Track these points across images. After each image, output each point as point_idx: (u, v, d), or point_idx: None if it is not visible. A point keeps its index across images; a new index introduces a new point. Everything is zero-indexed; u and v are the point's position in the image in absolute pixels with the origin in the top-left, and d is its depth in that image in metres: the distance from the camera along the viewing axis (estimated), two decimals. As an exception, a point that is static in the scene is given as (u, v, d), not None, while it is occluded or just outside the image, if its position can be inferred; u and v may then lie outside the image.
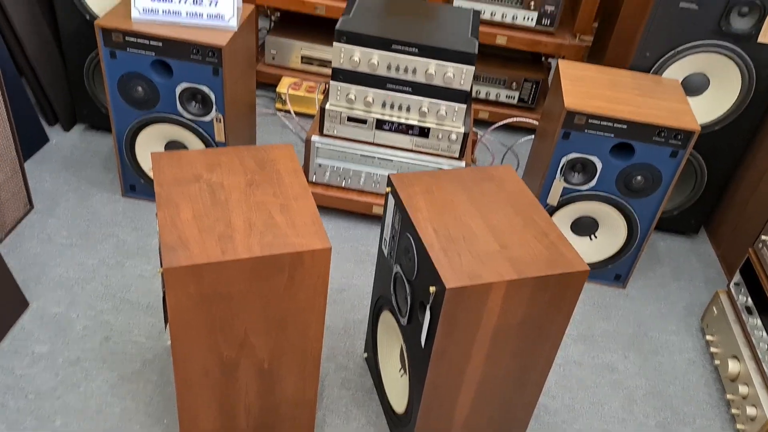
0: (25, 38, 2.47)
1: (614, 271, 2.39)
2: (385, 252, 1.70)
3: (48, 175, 2.53)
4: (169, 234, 1.34)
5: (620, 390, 2.03)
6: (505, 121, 3.07)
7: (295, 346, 1.53)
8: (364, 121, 2.32)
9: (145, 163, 2.39)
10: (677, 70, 2.28)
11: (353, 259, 2.35)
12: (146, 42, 2.10)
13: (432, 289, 1.39)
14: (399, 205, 1.56)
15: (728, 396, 1.99)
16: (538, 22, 2.88)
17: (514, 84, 3.07)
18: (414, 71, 2.21)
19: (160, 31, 2.08)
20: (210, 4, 2.13)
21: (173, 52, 2.11)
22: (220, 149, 1.63)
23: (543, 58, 3.33)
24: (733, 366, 1.99)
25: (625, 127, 2.04)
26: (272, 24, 3.33)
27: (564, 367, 2.06)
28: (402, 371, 1.79)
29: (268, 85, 3.22)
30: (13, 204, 2.26)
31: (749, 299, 2.01)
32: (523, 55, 3.29)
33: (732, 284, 2.12)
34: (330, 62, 3.12)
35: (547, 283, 1.41)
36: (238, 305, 1.39)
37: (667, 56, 2.25)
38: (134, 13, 2.11)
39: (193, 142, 2.31)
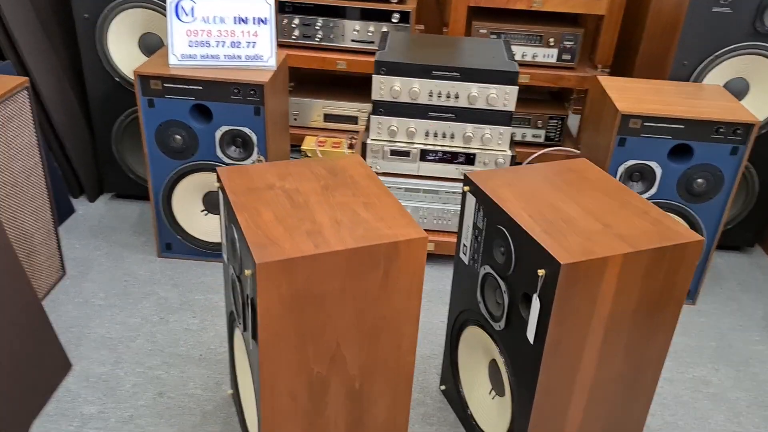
0: (52, 109, 2.43)
1: (682, 286, 2.27)
2: (466, 260, 1.59)
3: (77, 242, 2.42)
4: (254, 235, 1.24)
5: (721, 403, 1.86)
6: (544, 151, 3.03)
7: (387, 362, 1.39)
8: (407, 153, 2.27)
9: (183, 218, 2.30)
10: (716, 77, 2.27)
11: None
12: (185, 87, 2.06)
13: (541, 272, 1.27)
14: (483, 200, 1.47)
15: (840, 397, 1.83)
16: (559, 58, 2.91)
17: (540, 122, 3.06)
18: (456, 96, 2.18)
19: (199, 74, 2.05)
20: (248, 46, 2.11)
21: (213, 94, 2.07)
22: (288, 162, 1.55)
23: (563, 99, 3.35)
24: (839, 363, 1.84)
25: (682, 127, 2.00)
26: (290, 87, 3.35)
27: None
28: (493, 393, 1.63)
29: (293, 146, 3.18)
30: (47, 269, 2.13)
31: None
32: (542, 96, 3.31)
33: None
34: (351, 117, 3.11)
35: (663, 255, 1.30)
36: (330, 308, 1.26)
37: (705, 62, 2.24)
38: (172, 60, 2.09)
39: (234, 189, 2.23)
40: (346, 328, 1.30)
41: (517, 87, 2.16)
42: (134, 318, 2.05)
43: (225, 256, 1.51)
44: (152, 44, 2.40)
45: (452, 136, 2.24)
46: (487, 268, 1.48)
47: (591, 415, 1.47)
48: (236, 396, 1.69)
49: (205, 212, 2.32)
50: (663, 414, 1.82)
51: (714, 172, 2.05)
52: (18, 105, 1.90)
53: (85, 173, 2.65)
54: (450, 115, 2.21)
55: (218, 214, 2.30)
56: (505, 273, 1.42)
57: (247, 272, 1.21)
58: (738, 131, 1.99)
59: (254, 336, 1.27)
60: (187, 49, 2.09)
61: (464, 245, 1.59)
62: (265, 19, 2.10)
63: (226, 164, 2.18)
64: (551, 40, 2.88)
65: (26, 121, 1.95)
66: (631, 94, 2.11)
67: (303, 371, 1.31)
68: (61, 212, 2.55)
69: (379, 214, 1.34)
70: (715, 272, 2.48)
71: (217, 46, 2.10)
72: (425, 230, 2.35)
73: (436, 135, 2.24)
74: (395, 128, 2.23)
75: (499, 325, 1.46)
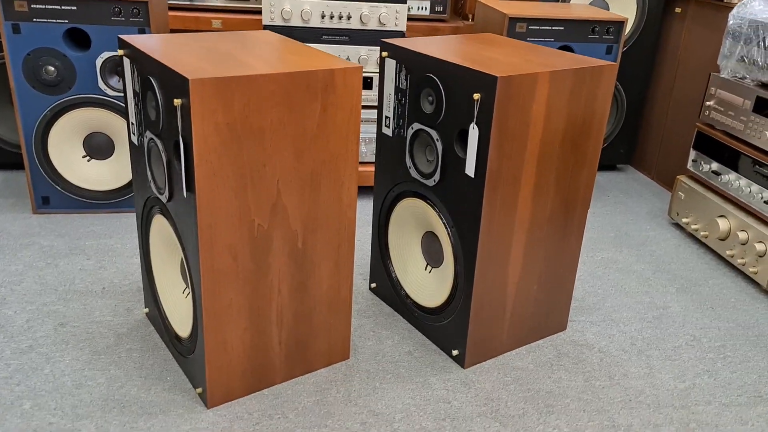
0: None
1: (575, 191, 2.40)
2: (390, 131, 1.57)
3: (-68, 209, 2.11)
4: (181, 66, 1.13)
5: (629, 274, 1.97)
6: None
7: (329, 217, 1.32)
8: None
9: (61, 164, 2.07)
10: (581, -3, 2.47)
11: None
12: (56, 7, 1.89)
13: (477, 96, 1.28)
14: (405, 58, 1.46)
15: (727, 252, 2.00)
16: (432, 10, 3.02)
17: None
18: (348, 17, 2.18)
19: (73, -7, 1.89)
20: (125, -34, 1.98)
21: (90, 16, 1.91)
22: (198, 34, 1.45)
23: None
24: (722, 224, 2.02)
25: (562, 28, 2.14)
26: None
27: (570, 267, 1.98)
28: (429, 268, 1.61)
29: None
30: None
31: (713, 164, 2.10)
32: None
33: (690, 163, 2.21)
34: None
35: (583, 76, 1.36)
36: (270, 145, 1.18)
37: (570, -17, 2.43)
38: (39, -20, 1.91)
39: (121, 130, 2.06)
40: (286, 171, 1.23)
41: (406, 5, 2.20)
42: (14, 266, 1.81)
43: (135, 133, 1.37)
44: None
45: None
46: (416, 126, 1.47)
47: (530, 257, 1.49)
48: (155, 312, 1.53)
49: (88, 158, 2.11)
50: (583, 286, 1.89)
51: (593, 72, 2.21)
52: None
53: (-67, 140, 2.32)
54: (344, 37, 2.20)
55: (103, 159, 2.11)
56: (435, 121, 1.41)
57: (177, 101, 1.11)
58: (610, 29, 2.16)
59: (189, 184, 1.16)
60: (57, -32, 1.92)
61: (386, 117, 1.57)
62: (142, -62, 1.98)
63: (110, 97, 2.01)
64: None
65: None
66: (513, 7, 2.23)
67: (243, 222, 1.21)
68: None
69: (309, 57, 1.29)
70: (598, 186, 2.65)
71: (90, -33, 1.95)
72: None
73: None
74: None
75: (434, 179, 1.45)
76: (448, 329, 1.53)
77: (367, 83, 2.27)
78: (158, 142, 1.24)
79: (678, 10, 2.57)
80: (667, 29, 2.64)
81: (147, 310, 1.59)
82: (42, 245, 1.92)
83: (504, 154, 1.32)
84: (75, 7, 1.90)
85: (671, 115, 2.64)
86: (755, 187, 1.92)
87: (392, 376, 1.46)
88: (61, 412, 1.30)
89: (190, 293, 1.29)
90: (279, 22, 2.16)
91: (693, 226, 2.17)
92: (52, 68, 1.95)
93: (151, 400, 1.34)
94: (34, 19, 1.89)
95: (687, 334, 1.69)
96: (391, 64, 1.51)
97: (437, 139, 1.42)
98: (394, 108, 1.53)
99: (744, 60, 1.96)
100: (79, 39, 1.98)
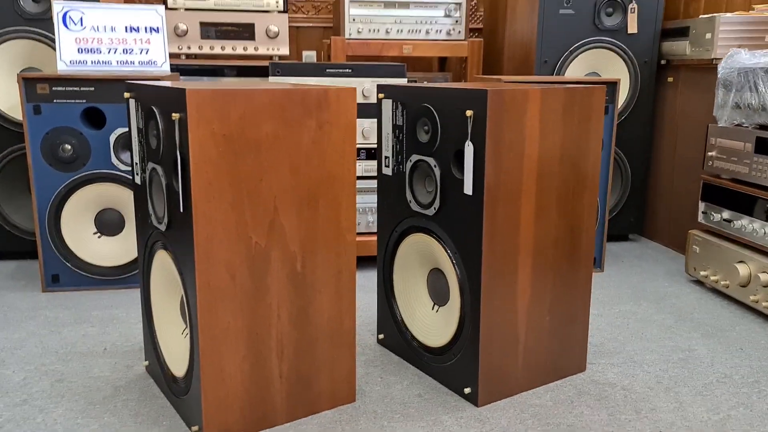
0: None
1: (587, 254, 2.36)
2: (390, 171, 1.59)
3: (-57, 292, 2.12)
4: (179, 87, 1.18)
5: (650, 323, 1.89)
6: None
7: (327, 239, 1.31)
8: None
9: (73, 241, 2.10)
10: (575, 71, 2.57)
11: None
12: (76, 89, 2.00)
13: (469, 113, 1.31)
14: (400, 95, 1.51)
15: (751, 298, 1.92)
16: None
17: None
18: (351, 92, 2.28)
19: (91, 75, 2.01)
20: (141, 53, 2.13)
21: (107, 95, 2.02)
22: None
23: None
24: (742, 269, 1.96)
25: (557, 91, 2.21)
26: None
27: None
28: (436, 307, 1.56)
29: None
30: None
31: (724, 212, 2.07)
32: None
33: (700, 216, 2.18)
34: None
35: (573, 96, 1.39)
36: (265, 158, 1.20)
37: (562, 58, 2.54)
38: (60, 66, 2.05)
39: (130, 207, 2.10)
40: (282, 188, 1.23)
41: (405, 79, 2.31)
42: (18, 333, 1.78)
43: (138, 173, 1.40)
44: (34, 79, 2.34)
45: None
46: (414, 157, 1.49)
47: (539, 283, 1.44)
48: (154, 361, 1.48)
49: (98, 234, 2.14)
50: (601, 334, 1.81)
51: (592, 132, 2.25)
52: None
53: (-48, 231, 2.38)
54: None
55: (114, 235, 2.14)
56: (432, 149, 1.44)
57: (175, 115, 1.14)
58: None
59: (185, 198, 1.17)
60: (77, 55, 2.06)
61: (386, 157, 1.60)
62: (158, 28, 2.15)
63: (121, 172, 2.08)
64: (425, 83, 3.13)
65: None
66: (508, 78, 2.33)
67: (241, 238, 1.21)
68: None
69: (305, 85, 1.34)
70: (611, 254, 2.60)
71: (108, 53, 2.10)
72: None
73: None
74: None
75: (434, 207, 1.45)
76: (458, 367, 1.45)
77: (371, 154, 2.33)
78: (158, 168, 1.26)
79: (670, 79, 2.65)
80: (661, 98, 2.71)
81: (147, 362, 1.54)
82: (47, 316, 1.90)
83: (501, 170, 1.32)
84: (93, 88, 2.01)
85: (677, 179, 2.65)
86: (769, 227, 1.88)
87: (401, 416, 1.37)
88: (49, 455, 1.22)
89: (189, 333, 1.25)
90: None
91: (713, 278, 2.10)
92: (69, 146, 2.03)
93: (145, 442, 1.27)
94: (55, 100, 2.01)
95: (717, 372, 1.59)
96: (387, 104, 1.56)
97: (435, 166, 1.43)
98: (393, 146, 1.56)
99: (739, 106, 2.00)
100: (94, 118, 2.08)
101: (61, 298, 2.05)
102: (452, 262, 1.43)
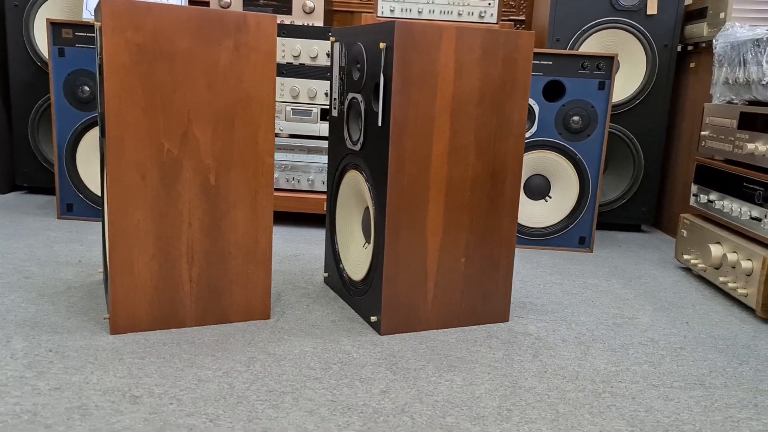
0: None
1: (577, 233, 2.32)
2: (336, 111, 1.67)
3: (-22, 212, 2.40)
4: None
5: (608, 294, 1.84)
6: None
7: (244, 158, 1.41)
8: (308, 113, 2.40)
9: (86, 175, 2.32)
10: (587, 51, 2.53)
11: (304, 243, 2.22)
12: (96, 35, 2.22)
13: (382, 45, 1.37)
14: (344, 37, 1.59)
15: (720, 279, 1.83)
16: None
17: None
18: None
19: (109, 24, 2.22)
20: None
21: (121, 43, 2.22)
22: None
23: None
24: (715, 250, 1.87)
25: (551, 63, 2.20)
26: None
27: (551, 292, 1.89)
28: (366, 245, 1.62)
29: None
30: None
31: (711, 194, 1.98)
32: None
33: (691, 199, 2.10)
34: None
35: (496, 38, 1.42)
36: (180, 71, 1.32)
37: (575, 37, 2.51)
38: (85, 15, 2.27)
39: (137, 142, 2.29)
40: (197, 102, 1.34)
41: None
42: (17, 244, 2.00)
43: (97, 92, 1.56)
44: (76, 32, 2.60)
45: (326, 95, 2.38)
46: (350, 96, 1.56)
47: (452, 222, 1.47)
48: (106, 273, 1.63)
49: (109, 171, 2.35)
50: (548, 297, 1.79)
51: (587, 107, 2.22)
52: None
53: (0, 164, 2.68)
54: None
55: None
56: (360, 85, 1.50)
57: (97, 24, 1.28)
58: (600, 65, 2.20)
59: (100, 96, 1.30)
60: (101, 6, 2.28)
61: (334, 98, 1.68)
62: (177, -14, 2.33)
63: (131, 114, 2.27)
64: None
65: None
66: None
67: (153, 143, 1.32)
68: (-33, 190, 2.54)
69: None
70: (614, 241, 2.53)
71: (129, 6, 2.30)
72: (318, 191, 2.41)
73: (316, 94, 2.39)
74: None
75: (359, 143, 1.51)
76: (370, 298, 1.50)
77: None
78: (98, 79, 1.41)
79: (692, 64, 2.55)
80: (682, 84, 2.61)
81: (101, 270, 1.69)
82: (49, 235, 2.12)
83: (410, 103, 1.37)
84: (110, 36, 2.22)
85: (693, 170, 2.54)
86: (745, 207, 1.79)
87: (304, 334, 1.44)
88: (-17, 324, 1.39)
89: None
90: (289, 60, 2.38)
91: (693, 261, 2.01)
92: (87, 87, 2.25)
93: (65, 325, 1.41)
94: (77, 45, 2.23)
95: (644, 336, 1.54)
96: (337, 47, 1.64)
97: (361, 101, 1.49)
98: (338, 87, 1.64)
99: (728, 82, 1.91)
100: (111, 64, 2.28)
101: (70, 224, 2.27)
102: (371, 196, 1.48)
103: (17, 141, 2.66)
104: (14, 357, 1.24)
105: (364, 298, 1.54)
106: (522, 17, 3.43)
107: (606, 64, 2.20)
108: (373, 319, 1.47)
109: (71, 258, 1.89)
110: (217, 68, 1.35)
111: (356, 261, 1.62)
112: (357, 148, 1.53)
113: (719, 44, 1.96)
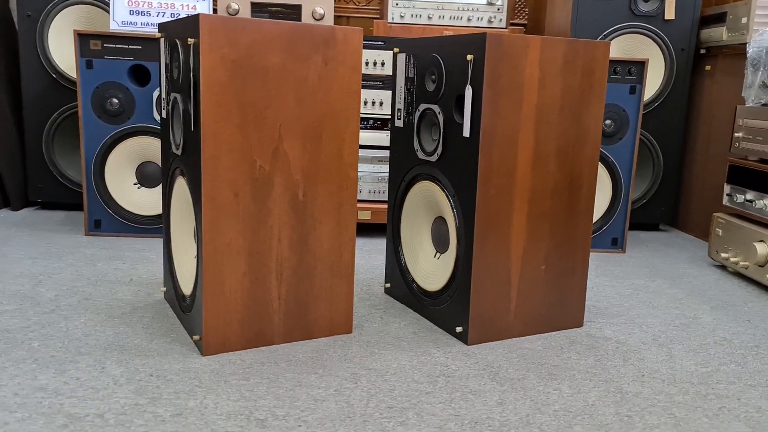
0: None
1: (610, 234, 2.36)
2: (401, 122, 1.66)
3: (-2, 231, 2.31)
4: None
5: (661, 295, 1.89)
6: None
7: (330, 172, 1.39)
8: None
9: (115, 189, 2.26)
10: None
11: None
12: (125, 46, 2.16)
13: (469, 57, 1.37)
14: (412, 48, 1.59)
15: (767, 276, 1.90)
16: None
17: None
18: (383, 64, 2.37)
19: (139, 34, 2.17)
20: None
21: (153, 53, 2.17)
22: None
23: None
24: (760, 248, 1.93)
25: (584, 68, 2.23)
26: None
27: (606, 297, 1.92)
28: (438, 255, 1.62)
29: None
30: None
31: (748, 193, 2.05)
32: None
33: (725, 198, 2.16)
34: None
35: (576, 49, 1.44)
36: (272, 88, 1.30)
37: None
38: (113, 26, 2.21)
39: (169, 155, 2.24)
40: (288, 117, 1.33)
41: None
42: (58, 263, 1.93)
43: (163, 108, 1.52)
44: (92, 43, 2.53)
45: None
46: (422, 107, 1.56)
47: (535, 230, 1.48)
48: (170, 287, 1.59)
49: (138, 185, 2.29)
50: (608, 300, 1.82)
51: (619, 111, 2.27)
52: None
53: (12, 180, 2.59)
54: (378, 83, 2.38)
55: (152, 187, 2.29)
56: (437, 96, 1.50)
57: (190, 41, 1.25)
58: (632, 70, 2.24)
59: (196, 118, 1.27)
60: (128, 16, 2.22)
61: (398, 109, 1.67)
62: (204, -5, 2.29)
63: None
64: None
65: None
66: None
67: (246, 160, 1.30)
68: (-18, 209, 2.45)
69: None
70: (638, 240, 2.59)
71: (157, 16, 2.25)
72: (363, 200, 2.40)
73: (365, 103, 2.39)
74: None
75: (437, 153, 1.51)
76: (452, 309, 1.50)
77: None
78: (178, 97, 1.38)
79: (708, 67, 2.63)
80: (698, 87, 2.69)
81: (164, 288, 1.65)
82: (85, 253, 2.05)
83: (498, 114, 1.38)
84: (140, 46, 2.17)
85: (711, 170, 2.61)
86: (789, 205, 1.86)
87: (393, 347, 1.44)
88: (65, 350, 1.34)
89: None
90: (319, 69, 2.36)
91: (733, 260, 2.07)
92: (116, 100, 2.19)
93: (151, 348, 1.37)
94: (105, 57, 2.17)
95: (717, 336, 1.58)
96: (401, 58, 1.64)
97: (439, 112, 1.50)
98: (404, 98, 1.64)
99: (766, 85, 1.98)
100: (140, 75, 2.23)
101: (101, 241, 2.20)
102: (451, 207, 1.49)
103: (30, 156, 2.57)
104: (118, 383, 1.20)
105: (443, 308, 1.54)
106: (524, 21, 3.48)
107: (637, 69, 2.25)
108: (459, 329, 1.48)
109: (119, 276, 1.83)
110: (306, 83, 1.33)
111: (428, 271, 1.62)
112: (433, 158, 1.53)
113: (753, 48, 2.02)
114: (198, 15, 1.22)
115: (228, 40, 1.24)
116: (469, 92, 1.38)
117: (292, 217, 1.38)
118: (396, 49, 1.66)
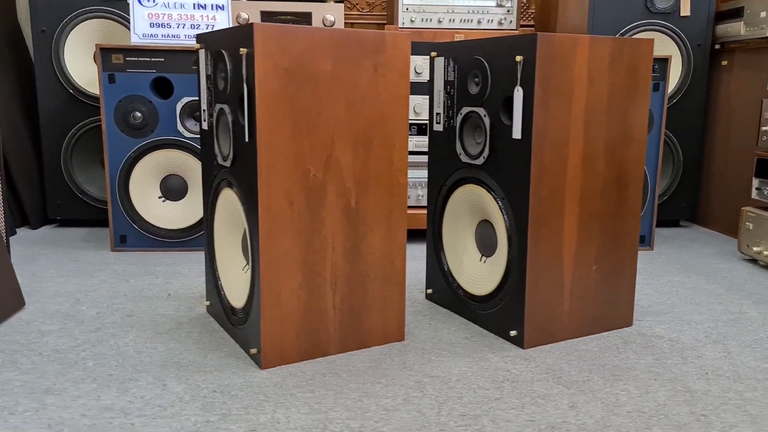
0: None
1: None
2: (441, 126, 1.65)
3: (19, 247, 2.27)
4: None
5: (699, 292, 1.88)
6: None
7: (380, 178, 1.38)
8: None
9: (140, 203, 2.23)
10: (626, 53, 2.59)
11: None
12: (148, 59, 2.14)
13: (519, 58, 1.36)
14: (451, 51, 1.58)
15: (806, 269, 1.90)
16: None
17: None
18: (404, 69, 2.36)
19: (161, 47, 2.15)
20: (207, 28, 2.25)
21: (175, 66, 2.15)
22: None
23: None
24: (795, 240, 1.94)
25: (608, 67, 2.23)
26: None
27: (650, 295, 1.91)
28: (484, 258, 1.61)
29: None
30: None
31: (778, 186, 2.05)
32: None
33: (754, 192, 2.17)
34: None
35: (622, 46, 1.43)
36: (324, 95, 1.28)
37: (615, 40, 2.56)
38: (134, 39, 2.19)
39: (193, 173, 2.22)
40: (339, 124, 1.31)
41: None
42: (91, 281, 1.91)
43: (205, 119, 1.50)
44: (108, 57, 2.50)
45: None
46: (465, 110, 1.55)
47: (585, 230, 1.47)
48: (215, 300, 1.57)
49: (163, 199, 2.27)
50: (649, 298, 1.81)
51: (643, 109, 2.26)
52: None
53: (31, 198, 2.55)
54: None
55: (177, 200, 2.26)
56: (482, 100, 1.49)
57: (243, 50, 1.24)
58: (655, 67, 2.25)
59: (251, 129, 1.25)
60: (149, 29, 2.20)
61: (437, 114, 1.66)
62: (223, 6, 2.27)
63: (186, 139, 2.20)
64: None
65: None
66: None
67: (299, 168, 1.29)
68: (3, 228, 2.41)
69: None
70: (661, 238, 2.59)
71: (177, 28, 2.23)
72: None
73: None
74: None
75: (483, 156, 1.50)
76: (504, 312, 1.49)
77: (423, 129, 2.40)
78: (225, 107, 1.36)
79: (724, 62, 2.64)
80: (715, 82, 2.70)
81: (208, 303, 1.63)
82: (116, 269, 2.03)
83: (549, 114, 1.37)
84: (162, 59, 2.15)
85: (731, 165, 2.62)
86: (824, 196, 1.86)
87: (449, 353, 1.42)
88: (122, 369, 1.32)
89: (249, 269, 1.33)
90: (341, 76, 2.35)
91: (765, 252, 2.08)
92: (139, 113, 2.17)
93: (207, 363, 1.35)
94: (127, 70, 2.15)
95: None
96: (440, 62, 1.63)
97: (485, 115, 1.49)
98: (444, 101, 1.63)
99: (794, 77, 1.99)
100: (163, 87, 2.21)
101: (128, 256, 2.18)
102: (500, 209, 1.48)
103: (49, 173, 2.54)
104: (183, 401, 1.18)
105: (494, 312, 1.53)
106: (531, 23, 3.49)
107: (660, 66, 2.25)
108: (513, 333, 1.46)
109: (156, 292, 1.81)
110: (356, 89, 1.32)
111: (474, 276, 1.61)
112: (478, 162, 1.52)
113: (779, 42, 2.03)
114: (252, 24, 1.20)
115: (280, 48, 1.23)
116: (519, 93, 1.38)
117: (345, 225, 1.36)
118: (434, 53, 1.64)
